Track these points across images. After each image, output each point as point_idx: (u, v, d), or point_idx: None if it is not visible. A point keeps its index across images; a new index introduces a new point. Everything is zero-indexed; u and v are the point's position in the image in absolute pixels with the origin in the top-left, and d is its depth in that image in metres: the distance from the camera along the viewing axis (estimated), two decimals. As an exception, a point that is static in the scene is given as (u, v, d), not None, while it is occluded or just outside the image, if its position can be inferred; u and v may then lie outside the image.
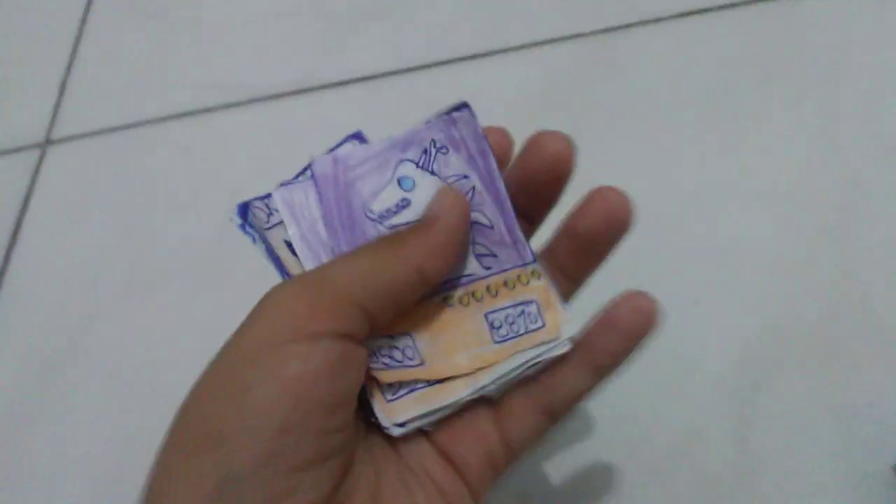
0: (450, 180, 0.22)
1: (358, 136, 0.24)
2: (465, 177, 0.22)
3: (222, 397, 0.19)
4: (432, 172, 0.22)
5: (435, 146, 0.22)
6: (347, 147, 0.24)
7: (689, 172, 0.38)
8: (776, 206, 0.36)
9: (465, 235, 0.22)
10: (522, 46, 0.45)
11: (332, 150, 0.24)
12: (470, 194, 0.23)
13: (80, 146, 0.46)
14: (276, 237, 0.24)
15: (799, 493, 0.30)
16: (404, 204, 0.22)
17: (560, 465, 0.31)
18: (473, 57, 0.45)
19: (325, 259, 0.23)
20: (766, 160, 0.38)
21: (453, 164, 0.22)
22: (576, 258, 0.24)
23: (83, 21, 0.53)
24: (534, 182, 0.23)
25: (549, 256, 0.24)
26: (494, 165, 0.23)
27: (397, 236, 0.21)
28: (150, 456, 0.20)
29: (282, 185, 0.23)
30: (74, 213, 0.44)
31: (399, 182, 0.22)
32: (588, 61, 0.43)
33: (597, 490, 0.31)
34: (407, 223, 0.22)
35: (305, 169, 0.24)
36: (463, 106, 0.23)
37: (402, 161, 0.23)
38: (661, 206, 0.36)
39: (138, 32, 0.51)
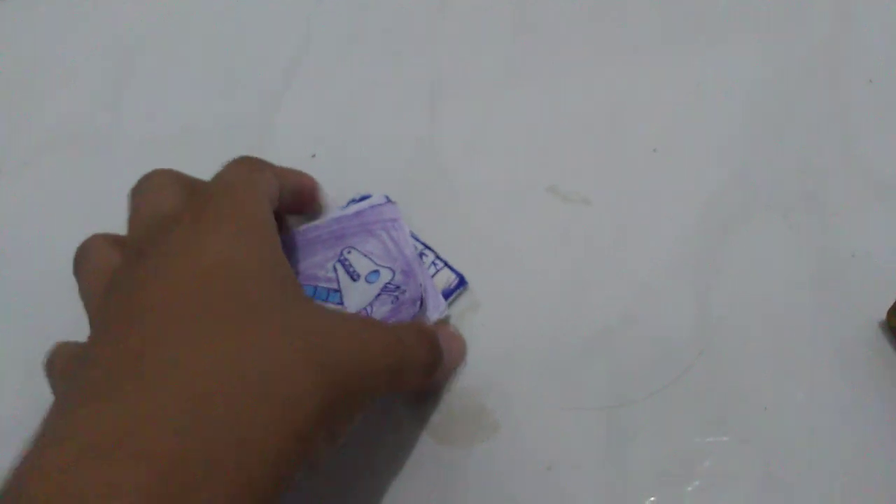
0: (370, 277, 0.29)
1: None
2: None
3: None
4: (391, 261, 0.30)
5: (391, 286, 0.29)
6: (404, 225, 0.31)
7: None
8: (755, 40, 0.33)
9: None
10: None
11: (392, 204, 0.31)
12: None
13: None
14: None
15: (770, 361, 0.26)
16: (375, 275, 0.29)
17: (493, 348, 0.28)
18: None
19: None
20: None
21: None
22: None
23: None
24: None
25: None
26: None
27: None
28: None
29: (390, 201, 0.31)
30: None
31: (369, 275, 0.29)
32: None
33: (546, 363, 0.27)
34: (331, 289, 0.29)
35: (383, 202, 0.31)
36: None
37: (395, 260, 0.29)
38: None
39: None
